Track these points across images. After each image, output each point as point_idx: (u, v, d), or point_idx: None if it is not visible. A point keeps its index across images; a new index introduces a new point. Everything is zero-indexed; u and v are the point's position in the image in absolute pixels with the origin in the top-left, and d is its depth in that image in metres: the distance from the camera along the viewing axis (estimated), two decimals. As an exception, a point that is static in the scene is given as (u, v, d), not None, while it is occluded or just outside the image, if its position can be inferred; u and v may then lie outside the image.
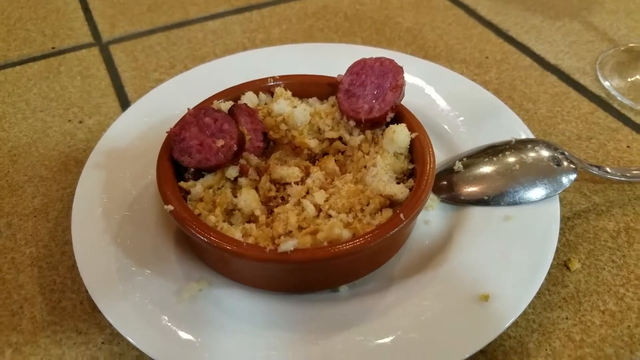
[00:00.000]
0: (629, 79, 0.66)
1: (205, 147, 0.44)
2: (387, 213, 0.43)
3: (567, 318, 0.43)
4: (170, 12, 0.81)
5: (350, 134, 0.50)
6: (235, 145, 0.44)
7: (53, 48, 0.74)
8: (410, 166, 0.47)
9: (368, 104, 0.49)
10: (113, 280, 0.42)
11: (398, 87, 0.48)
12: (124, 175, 0.51)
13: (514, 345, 0.41)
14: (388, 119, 0.49)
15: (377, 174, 0.45)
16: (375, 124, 0.49)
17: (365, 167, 0.48)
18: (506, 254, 0.43)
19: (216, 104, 0.48)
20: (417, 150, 0.47)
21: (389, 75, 0.49)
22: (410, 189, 0.44)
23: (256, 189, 0.47)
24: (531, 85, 0.66)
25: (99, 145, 0.53)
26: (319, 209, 0.44)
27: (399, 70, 0.49)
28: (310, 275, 0.41)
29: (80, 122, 0.62)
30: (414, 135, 0.47)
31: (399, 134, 0.47)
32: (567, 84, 0.66)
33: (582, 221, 0.50)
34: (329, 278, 0.42)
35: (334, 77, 0.53)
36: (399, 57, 0.50)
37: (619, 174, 0.49)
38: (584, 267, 0.46)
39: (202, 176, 0.46)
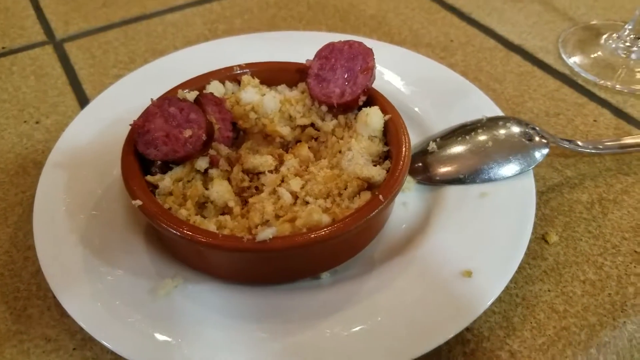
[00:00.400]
0: (592, 55, 0.67)
1: (172, 139, 0.42)
2: (366, 196, 0.42)
3: (549, 290, 0.43)
4: (127, 7, 0.78)
5: (323, 120, 0.49)
6: (204, 135, 0.42)
7: (3, 48, 0.70)
8: (386, 148, 0.47)
9: (339, 87, 0.48)
10: (82, 282, 0.40)
11: (369, 69, 0.47)
12: (87, 173, 0.48)
13: (499, 320, 0.41)
14: (360, 103, 0.48)
15: (352, 157, 0.44)
16: (347, 108, 0.48)
17: (340, 152, 0.47)
18: (485, 230, 0.43)
19: (181, 94, 0.46)
20: (391, 132, 0.46)
21: (358, 58, 0.48)
22: (387, 171, 0.43)
23: (228, 180, 0.45)
24: (497, 65, 0.67)
25: (58, 144, 0.50)
26: (295, 196, 0.43)
27: (368, 52, 0.48)
28: (291, 264, 0.40)
29: (37, 122, 0.59)
30: (387, 117, 0.46)
31: (373, 117, 0.46)
32: (532, 63, 0.67)
33: (556, 195, 0.50)
34: (309, 265, 0.41)
35: (302, 63, 0.51)
36: (366, 43, 0.50)
37: (590, 146, 0.50)
38: (561, 240, 0.46)
39: (170, 169, 0.44)
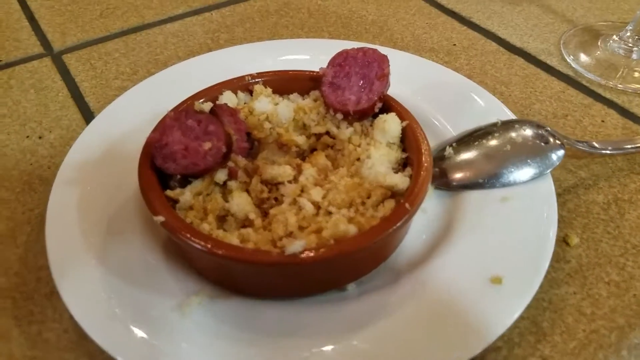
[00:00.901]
0: (594, 56, 0.67)
1: (192, 152, 0.41)
2: (390, 204, 0.41)
3: (574, 293, 0.43)
4: (125, 17, 0.77)
5: (338, 128, 0.49)
6: (224, 147, 0.42)
7: (0, 61, 0.68)
8: (404, 155, 0.46)
9: (355, 95, 0.47)
10: (102, 302, 0.39)
11: (385, 76, 0.47)
12: (99, 189, 0.47)
13: (528, 325, 0.41)
14: (376, 110, 0.48)
15: (373, 165, 0.44)
16: (363, 116, 0.48)
17: (358, 159, 0.46)
18: (509, 234, 0.43)
19: (197, 105, 0.45)
20: (409, 138, 0.46)
21: (374, 65, 0.48)
22: (409, 178, 0.43)
23: (247, 191, 0.45)
24: (501, 68, 0.67)
25: (67, 160, 0.49)
26: (317, 206, 0.42)
27: (383, 59, 0.47)
28: (320, 276, 0.39)
29: (40, 137, 0.57)
30: (404, 123, 0.46)
31: (390, 123, 0.46)
32: (536, 66, 0.67)
33: (572, 197, 0.50)
34: (338, 277, 0.40)
35: (314, 71, 0.51)
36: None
37: (610, 147, 0.50)
38: (582, 242, 0.46)
39: (189, 182, 0.43)
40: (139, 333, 0.37)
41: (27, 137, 0.57)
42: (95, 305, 0.39)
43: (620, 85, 0.63)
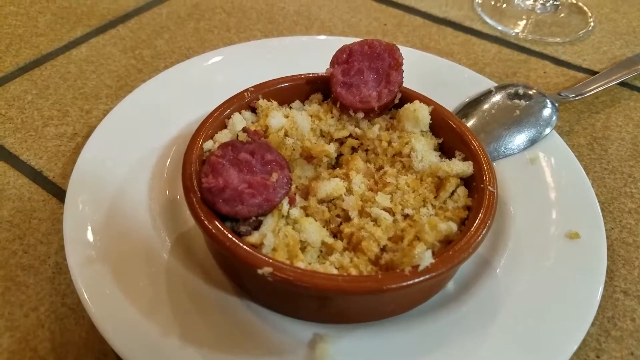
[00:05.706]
0: (508, 15, 0.74)
1: (259, 188, 0.36)
2: (463, 191, 0.41)
3: (612, 228, 0.48)
4: (14, 50, 0.63)
5: (357, 127, 0.47)
6: (289, 174, 0.37)
7: None
8: (439, 140, 0.46)
9: (374, 90, 0.46)
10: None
11: (400, 65, 0.46)
12: (129, 260, 0.39)
13: (597, 266, 0.44)
14: (396, 101, 0.47)
15: (423, 157, 0.43)
16: (384, 110, 0.47)
17: (394, 155, 0.45)
18: (556, 190, 0.46)
19: (242, 135, 0.39)
20: (439, 122, 0.46)
21: (384, 56, 0.46)
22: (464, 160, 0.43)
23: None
24: (438, 40, 0.70)
25: (68, 238, 0.39)
26: (390, 212, 0.41)
27: (393, 48, 0.46)
28: (443, 281, 0.38)
29: (-12, 218, 0.45)
30: (431, 108, 0.46)
31: (422, 112, 0.45)
32: (465, 32, 0.72)
33: (561, 144, 0.56)
34: (450, 277, 0.39)
35: (310, 75, 0.48)
36: (321, 41, 0.48)
37: (600, 83, 0.57)
38: (592, 182, 0.52)
39: (259, 223, 0.37)
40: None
41: (-31, 222, 0.45)
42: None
43: (538, 37, 0.70)
